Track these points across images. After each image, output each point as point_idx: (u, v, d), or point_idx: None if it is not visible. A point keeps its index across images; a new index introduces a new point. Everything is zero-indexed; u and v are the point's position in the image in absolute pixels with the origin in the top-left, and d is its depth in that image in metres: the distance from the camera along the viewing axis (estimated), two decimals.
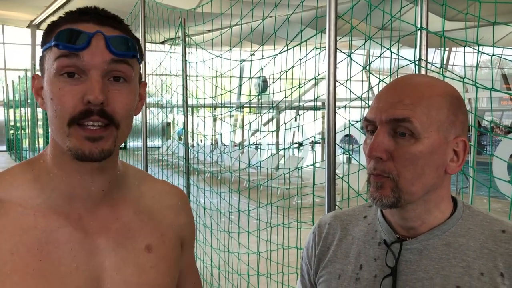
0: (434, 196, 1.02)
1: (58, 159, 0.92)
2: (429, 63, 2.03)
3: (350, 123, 2.41)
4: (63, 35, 0.86)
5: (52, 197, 0.92)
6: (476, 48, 1.89)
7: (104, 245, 0.93)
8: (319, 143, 13.25)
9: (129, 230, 0.97)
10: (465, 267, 0.98)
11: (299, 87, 2.70)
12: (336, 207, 2.28)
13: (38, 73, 0.94)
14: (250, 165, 4.01)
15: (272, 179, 3.56)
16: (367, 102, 2.28)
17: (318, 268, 1.17)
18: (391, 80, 1.15)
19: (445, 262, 1.00)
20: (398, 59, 2.32)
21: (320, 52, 2.73)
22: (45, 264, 0.87)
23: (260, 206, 3.60)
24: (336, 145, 2.20)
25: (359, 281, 1.08)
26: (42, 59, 0.92)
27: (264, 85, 13.36)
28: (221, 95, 4.46)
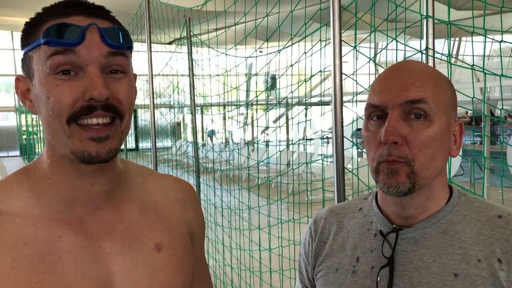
0: (438, 181, 1.01)
1: (56, 164, 0.88)
2: (437, 52, 1.99)
3: (358, 116, 2.38)
4: (53, 31, 0.80)
5: (51, 205, 0.88)
6: (488, 36, 1.86)
7: (110, 248, 0.90)
8: (331, 137, 13.19)
9: (135, 230, 0.93)
10: (462, 254, 0.97)
11: (305, 81, 2.68)
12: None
13: (22, 74, 0.88)
14: (260, 162, 4.00)
15: (281, 175, 3.53)
16: None
17: (316, 263, 1.16)
18: None
19: (442, 250, 0.99)
20: (405, 50, 2.29)
21: (325, 45, 2.71)
22: (48, 276, 0.83)
23: (271, 203, 3.59)
24: (346, 139, 2.18)
25: (356, 273, 1.06)
26: (26, 60, 0.86)
27: (273, 82, 13.33)
28: (229, 92, 4.45)
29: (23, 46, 0.86)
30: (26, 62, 0.86)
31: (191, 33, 4.39)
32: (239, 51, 4.48)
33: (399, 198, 1.00)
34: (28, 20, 0.88)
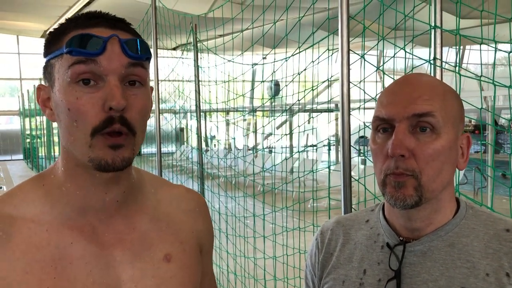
0: (445, 194, 1.01)
1: (70, 172, 0.90)
2: (444, 62, 1.99)
3: (365, 124, 2.38)
4: (76, 41, 0.82)
5: (64, 212, 0.89)
6: (492, 45, 1.86)
7: (120, 257, 0.91)
8: (334, 145, 13.22)
9: (146, 240, 0.95)
10: (470, 268, 0.96)
11: (312, 90, 2.68)
12: (353, 210, 2.25)
13: (43, 83, 0.91)
14: (265, 169, 3.99)
15: (287, 183, 3.53)
16: None
17: (322, 275, 1.15)
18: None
19: (449, 263, 0.98)
20: (413, 58, 2.29)
21: (332, 53, 2.71)
22: (60, 281, 0.84)
23: (276, 211, 3.57)
24: (351, 147, 2.18)
25: (363, 286, 1.06)
26: (48, 68, 0.88)
27: (276, 89, 13.35)
28: (234, 99, 4.46)
29: (46, 54, 0.89)
30: (48, 70, 0.88)
31: (197, 39, 4.40)
32: (245, 58, 4.50)
33: (406, 211, 0.99)
34: (51, 29, 0.91)
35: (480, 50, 2.11)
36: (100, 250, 0.89)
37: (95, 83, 0.83)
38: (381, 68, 2.30)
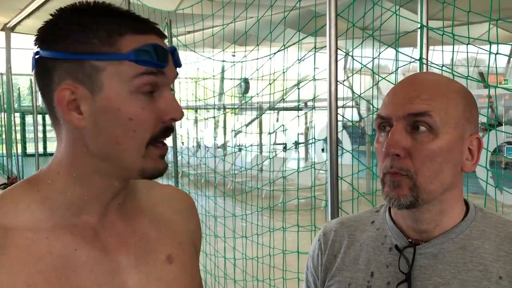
0: (450, 196, 1.00)
1: (84, 178, 0.85)
2: (435, 63, 2.01)
3: (356, 123, 2.37)
4: (148, 51, 0.80)
5: (65, 217, 0.84)
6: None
7: (125, 262, 0.88)
8: (303, 143, 13.32)
9: (147, 242, 0.92)
10: (483, 271, 0.96)
11: (298, 88, 2.66)
12: (340, 210, 2.23)
13: (69, 82, 0.81)
14: (246, 169, 3.95)
15: (270, 183, 3.50)
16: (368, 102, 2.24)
17: (326, 278, 1.13)
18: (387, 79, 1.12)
19: (461, 266, 0.97)
20: (398, 59, 2.30)
21: (315, 52, 2.70)
22: None
23: (258, 211, 3.54)
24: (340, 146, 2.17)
25: None
26: (87, 69, 0.79)
27: (246, 86, 13.32)
28: (214, 97, 4.40)
29: (78, 51, 0.79)
30: (86, 71, 0.79)
31: (173, 35, 4.33)
32: (217, 55, 4.46)
33: (412, 212, 0.99)
34: (79, 21, 0.79)
35: (467, 52, 2.14)
36: (104, 255, 0.86)
37: (153, 93, 0.82)
38: (369, 66, 2.30)
